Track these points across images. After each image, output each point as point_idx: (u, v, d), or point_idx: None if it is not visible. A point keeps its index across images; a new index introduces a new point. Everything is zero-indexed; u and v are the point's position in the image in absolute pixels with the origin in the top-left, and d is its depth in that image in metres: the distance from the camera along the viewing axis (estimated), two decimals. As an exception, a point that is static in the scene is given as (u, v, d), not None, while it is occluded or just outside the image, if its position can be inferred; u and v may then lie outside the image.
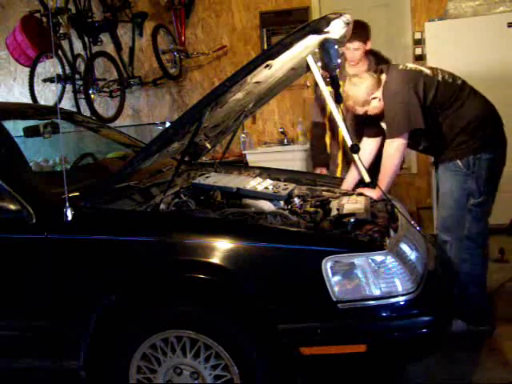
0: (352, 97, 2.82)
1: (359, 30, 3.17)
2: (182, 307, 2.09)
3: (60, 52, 4.96)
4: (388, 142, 2.79)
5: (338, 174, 3.53)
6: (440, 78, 2.80)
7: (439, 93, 2.77)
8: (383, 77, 2.83)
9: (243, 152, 5.24)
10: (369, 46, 3.27)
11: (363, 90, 2.78)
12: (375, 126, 2.99)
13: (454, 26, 4.59)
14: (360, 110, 2.86)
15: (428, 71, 2.82)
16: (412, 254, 2.20)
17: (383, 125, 2.92)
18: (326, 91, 2.92)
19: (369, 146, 3.03)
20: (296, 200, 2.65)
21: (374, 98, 2.80)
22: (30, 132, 3.03)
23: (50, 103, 5.50)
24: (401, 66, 2.87)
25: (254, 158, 5.07)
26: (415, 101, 2.71)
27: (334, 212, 2.46)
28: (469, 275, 2.81)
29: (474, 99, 2.83)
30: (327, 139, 3.67)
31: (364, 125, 3.07)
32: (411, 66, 2.91)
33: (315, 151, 3.75)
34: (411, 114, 2.71)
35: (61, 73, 4.92)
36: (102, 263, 2.12)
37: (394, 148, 2.76)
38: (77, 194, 2.21)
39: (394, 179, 2.85)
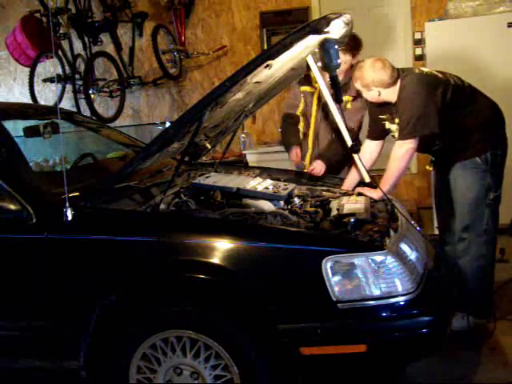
0: (360, 76, 2.81)
1: (352, 43, 3.15)
2: (182, 307, 2.09)
3: (60, 52, 4.96)
4: (399, 143, 2.80)
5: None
6: (452, 81, 2.85)
7: (454, 95, 2.81)
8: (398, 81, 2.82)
9: (243, 152, 5.24)
10: (356, 59, 3.24)
11: (374, 76, 2.77)
12: (379, 128, 3.00)
13: (454, 26, 4.59)
14: (361, 91, 2.88)
15: (441, 75, 2.87)
16: (412, 254, 2.20)
17: (390, 126, 2.94)
18: (327, 91, 2.92)
19: (370, 147, 3.05)
20: (296, 200, 2.65)
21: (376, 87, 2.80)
22: (30, 132, 3.02)
23: (50, 103, 5.50)
24: (417, 70, 2.88)
25: (253, 158, 5.07)
26: (432, 105, 2.74)
27: (334, 212, 2.46)
28: (483, 269, 2.89)
29: (484, 99, 2.94)
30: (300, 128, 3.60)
31: (369, 126, 3.08)
32: (426, 69, 2.92)
33: (287, 134, 3.58)
34: (427, 119, 2.73)
35: (61, 73, 4.92)
36: (102, 263, 2.12)
37: (404, 150, 2.78)
38: (77, 194, 2.21)
39: (397, 181, 2.87)
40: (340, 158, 3.31)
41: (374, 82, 2.78)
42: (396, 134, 2.91)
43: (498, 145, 2.90)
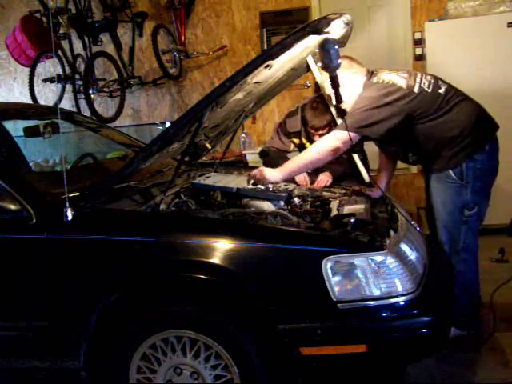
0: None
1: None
2: (182, 307, 2.09)
3: (60, 52, 4.95)
4: (334, 133, 2.60)
5: None
6: (417, 89, 2.61)
7: (418, 104, 2.59)
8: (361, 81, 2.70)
9: (243, 152, 5.23)
10: None
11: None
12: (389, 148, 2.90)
13: (453, 26, 4.59)
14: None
15: (403, 84, 2.62)
16: (412, 254, 2.20)
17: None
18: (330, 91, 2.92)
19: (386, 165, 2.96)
20: (296, 200, 2.65)
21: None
22: (29, 132, 3.03)
23: (50, 103, 5.49)
24: (375, 79, 2.68)
25: (254, 157, 5.07)
26: (384, 113, 2.55)
27: (334, 212, 2.46)
28: (463, 285, 2.70)
29: (461, 106, 2.65)
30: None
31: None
32: (386, 78, 2.67)
33: (275, 159, 3.34)
34: (374, 121, 2.54)
35: (61, 73, 4.92)
36: (102, 263, 2.12)
37: (335, 139, 2.55)
38: (77, 194, 2.21)
39: (301, 171, 2.77)
40: (347, 170, 3.29)
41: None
42: None
43: (478, 157, 2.63)
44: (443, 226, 2.75)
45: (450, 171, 2.64)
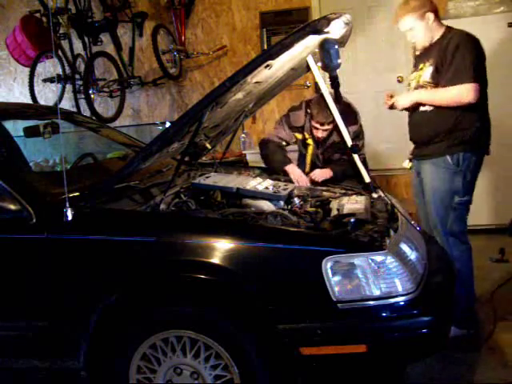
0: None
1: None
2: (182, 307, 2.09)
3: (60, 52, 4.95)
4: (465, 86, 2.72)
5: None
6: None
7: None
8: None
9: (243, 152, 5.24)
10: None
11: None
12: None
13: (453, 26, 4.58)
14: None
15: None
16: (412, 254, 2.20)
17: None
18: (327, 91, 2.92)
19: None
20: (296, 200, 2.65)
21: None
22: (29, 132, 3.03)
23: (50, 103, 5.49)
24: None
25: (253, 157, 5.06)
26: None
27: (334, 212, 2.46)
28: (461, 282, 2.71)
29: (482, 108, 2.87)
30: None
31: None
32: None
33: (275, 153, 3.40)
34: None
35: (61, 73, 4.92)
36: (102, 263, 2.12)
37: (471, 93, 2.71)
38: (77, 194, 2.21)
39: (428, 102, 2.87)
40: (347, 170, 3.26)
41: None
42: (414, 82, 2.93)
43: (475, 150, 2.83)
44: (433, 209, 2.88)
45: (448, 157, 2.80)
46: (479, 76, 2.74)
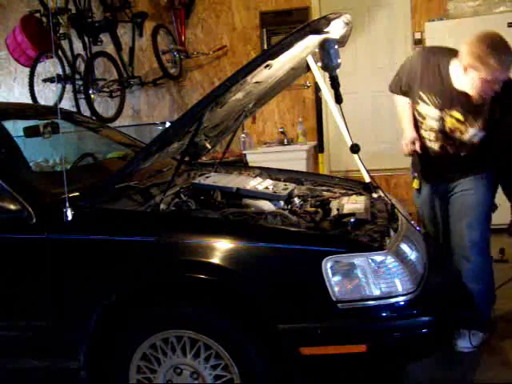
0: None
1: None
2: (181, 307, 2.09)
3: (60, 52, 4.96)
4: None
5: None
6: None
7: None
8: None
9: (243, 152, 5.24)
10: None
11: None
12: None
13: (453, 26, 4.60)
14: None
15: None
16: (412, 254, 2.20)
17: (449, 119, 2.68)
18: (327, 91, 2.92)
19: (404, 99, 2.84)
20: (296, 200, 2.65)
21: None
22: (30, 132, 3.03)
23: (50, 103, 5.49)
24: None
25: (254, 157, 5.07)
26: None
27: (334, 212, 2.46)
28: (487, 284, 2.81)
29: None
30: None
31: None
32: None
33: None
34: None
35: (61, 73, 4.92)
36: (102, 263, 2.12)
37: None
38: (77, 194, 2.21)
39: None
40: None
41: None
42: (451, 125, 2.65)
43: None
44: (477, 224, 2.73)
45: (489, 170, 2.74)
46: None
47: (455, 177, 2.81)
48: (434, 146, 2.80)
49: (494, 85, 2.48)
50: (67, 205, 2.04)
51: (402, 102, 2.88)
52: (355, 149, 2.81)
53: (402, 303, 1.97)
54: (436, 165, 2.84)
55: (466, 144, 2.71)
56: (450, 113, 2.67)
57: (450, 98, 2.65)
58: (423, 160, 2.90)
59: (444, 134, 2.74)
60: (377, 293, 1.96)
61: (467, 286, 2.73)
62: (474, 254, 2.73)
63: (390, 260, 2.00)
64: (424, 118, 2.76)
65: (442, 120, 2.70)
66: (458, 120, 2.66)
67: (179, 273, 2.08)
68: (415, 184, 3.00)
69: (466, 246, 2.74)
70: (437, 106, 2.69)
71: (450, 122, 2.69)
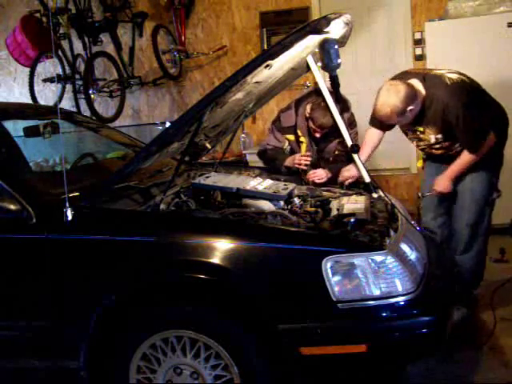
0: (390, 106, 2.80)
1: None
2: (181, 307, 2.09)
3: (60, 52, 4.96)
4: (472, 155, 2.88)
5: None
6: (476, 84, 2.99)
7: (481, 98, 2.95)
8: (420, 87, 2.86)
9: (243, 152, 5.24)
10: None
11: (402, 100, 2.78)
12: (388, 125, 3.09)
13: (453, 26, 4.59)
14: (394, 121, 2.91)
15: (466, 79, 2.97)
16: (412, 254, 2.20)
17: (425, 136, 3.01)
18: (326, 91, 2.92)
19: (374, 134, 3.14)
20: (296, 200, 2.65)
21: (410, 110, 2.82)
22: (29, 132, 3.03)
23: (50, 103, 5.49)
24: (447, 82, 2.87)
25: (254, 158, 5.06)
26: (478, 112, 2.85)
27: (334, 212, 2.46)
28: (481, 264, 3.11)
29: (495, 101, 3.05)
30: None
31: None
32: (453, 77, 2.92)
33: (274, 154, 3.53)
34: (483, 127, 2.86)
35: (61, 73, 4.92)
36: (102, 263, 2.12)
37: (478, 156, 2.88)
38: (77, 194, 2.21)
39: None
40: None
41: (406, 101, 2.78)
42: (422, 144, 3.03)
43: (503, 146, 3.03)
44: (476, 209, 3.02)
45: (489, 159, 2.95)
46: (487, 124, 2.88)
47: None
48: (425, 151, 3.17)
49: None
50: (67, 205, 2.05)
51: (372, 133, 3.19)
52: (355, 149, 2.81)
53: (402, 303, 1.97)
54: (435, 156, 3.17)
55: (438, 146, 3.03)
56: (414, 128, 3.03)
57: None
58: (427, 156, 3.27)
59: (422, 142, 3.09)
60: (377, 293, 1.96)
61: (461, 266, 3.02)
62: (471, 231, 3.04)
63: (390, 260, 2.00)
64: (407, 136, 3.16)
65: (416, 134, 3.07)
66: (420, 132, 3.02)
67: (179, 273, 2.08)
68: (419, 163, 3.36)
69: (462, 226, 3.06)
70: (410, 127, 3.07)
71: (422, 142, 3.08)
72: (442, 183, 2.98)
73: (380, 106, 2.83)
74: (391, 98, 2.78)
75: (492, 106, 3.00)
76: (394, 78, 2.98)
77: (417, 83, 2.86)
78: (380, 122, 3.04)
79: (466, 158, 2.91)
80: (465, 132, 2.83)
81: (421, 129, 2.97)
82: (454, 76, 2.93)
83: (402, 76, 2.98)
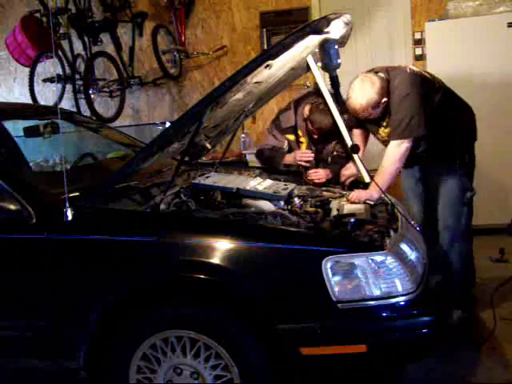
0: (366, 98, 2.77)
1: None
2: (182, 307, 2.09)
3: (60, 52, 4.95)
4: (395, 143, 2.80)
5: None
6: (437, 84, 2.91)
7: (442, 98, 2.87)
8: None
9: (243, 152, 5.24)
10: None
11: (377, 92, 2.77)
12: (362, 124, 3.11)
13: (454, 26, 4.59)
14: (367, 114, 2.85)
15: (429, 76, 2.91)
16: (412, 254, 2.20)
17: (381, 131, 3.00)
18: (326, 91, 2.92)
19: (360, 134, 3.17)
20: (296, 200, 2.65)
21: (383, 102, 2.80)
22: (30, 132, 3.03)
23: (50, 103, 5.48)
24: (408, 70, 2.86)
25: (254, 158, 5.05)
26: (422, 106, 2.76)
27: (334, 212, 2.46)
28: (465, 264, 3.03)
29: (465, 105, 3.05)
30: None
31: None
32: (415, 68, 2.93)
33: (272, 154, 3.51)
34: (420, 120, 2.76)
35: (61, 73, 4.92)
36: (102, 263, 2.12)
37: (403, 149, 2.78)
38: (77, 194, 2.21)
39: (391, 183, 2.83)
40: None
41: (381, 93, 2.78)
42: (384, 136, 2.96)
43: (472, 149, 3.04)
44: (449, 210, 3.00)
45: (457, 161, 2.96)
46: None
47: (426, 165, 3.12)
48: None
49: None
50: (67, 205, 2.05)
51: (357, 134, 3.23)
52: (355, 149, 2.81)
53: (402, 303, 1.97)
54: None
55: None
56: (380, 123, 2.99)
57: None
58: None
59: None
60: (377, 293, 1.96)
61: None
62: (449, 232, 3.02)
63: (390, 260, 2.00)
64: (375, 136, 3.16)
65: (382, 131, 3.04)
66: (384, 127, 2.99)
67: (179, 273, 2.08)
68: None
69: (441, 229, 3.04)
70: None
71: (384, 133, 3.02)
72: (364, 194, 2.70)
73: (354, 99, 2.79)
74: (367, 90, 2.76)
75: (458, 108, 3.00)
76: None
77: (384, 76, 2.85)
78: (356, 119, 3.01)
79: (387, 158, 2.82)
80: (395, 119, 2.78)
81: (385, 123, 2.94)
82: (417, 69, 2.94)
83: (370, 71, 2.95)
